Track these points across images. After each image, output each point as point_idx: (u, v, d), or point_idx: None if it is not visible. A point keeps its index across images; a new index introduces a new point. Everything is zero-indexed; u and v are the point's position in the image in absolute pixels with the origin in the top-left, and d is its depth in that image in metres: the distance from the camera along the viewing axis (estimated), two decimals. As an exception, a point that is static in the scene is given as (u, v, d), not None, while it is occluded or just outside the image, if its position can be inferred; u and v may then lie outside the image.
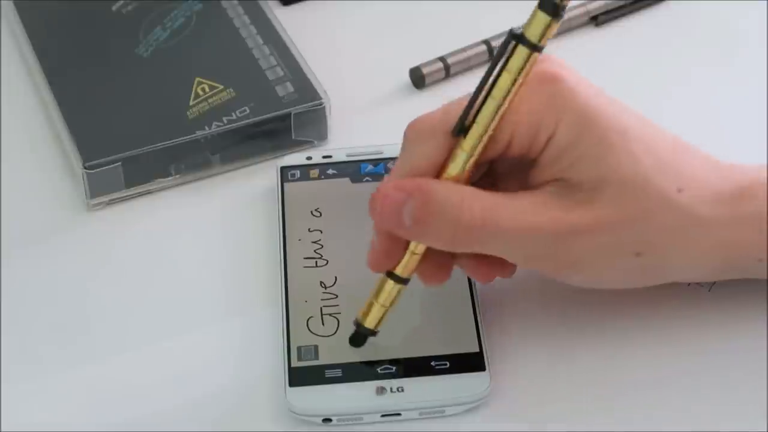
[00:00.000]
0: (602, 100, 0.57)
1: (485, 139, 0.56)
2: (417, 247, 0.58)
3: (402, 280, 0.59)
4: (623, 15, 0.79)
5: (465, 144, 0.56)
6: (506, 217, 0.56)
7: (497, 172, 0.60)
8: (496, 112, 0.56)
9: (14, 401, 0.61)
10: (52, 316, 0.65)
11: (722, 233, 0.58)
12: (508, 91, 0.55)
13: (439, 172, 0.57)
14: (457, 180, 0.57)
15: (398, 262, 0.59)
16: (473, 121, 0.56)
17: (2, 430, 0.60)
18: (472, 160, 0.57)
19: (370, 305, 0.60)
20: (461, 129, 0.56)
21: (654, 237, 0.58)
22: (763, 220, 0.58)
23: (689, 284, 0.63)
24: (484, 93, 0.56)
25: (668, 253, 0.58)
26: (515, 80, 0.55)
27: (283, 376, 0.60)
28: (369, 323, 0.60)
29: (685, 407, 0.59)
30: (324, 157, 0.70)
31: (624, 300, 0.63)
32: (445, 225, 0.56)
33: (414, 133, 0.58)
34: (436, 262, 0.59)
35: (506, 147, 0.57)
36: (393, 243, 0.59)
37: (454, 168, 0.57)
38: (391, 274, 0.59)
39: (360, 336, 0.60)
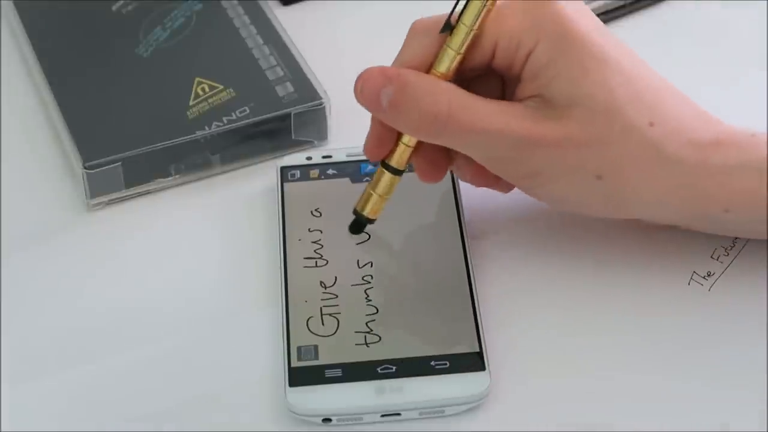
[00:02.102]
0: (593, 32, 0.60)
1: (469, 38, 0.60)
2: (409, 140, 0.62)
3: (396, 171, 0.63)
4: (623, 15, 0.79)
5: (451, 42, 0.60)
6: (474, 116, 0.59)
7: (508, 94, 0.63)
8: (479, 13, 0.59)
9: (14, 401, 0.61)
10: (52, 316, 0.65)
11: (688, 176, 0.60)
12: None
13: (428, 69, 0.61)
14: (442, 77, 0.60)
15: (392, 152, 0.63)
16: (459, 21, 0.60)
17: (2, 430, 0.60)
18: (457, 59, 0.60)
19: (368, 195, 0.64)
20: (446, 26, 0.60)
21: (616, 162, 0.60)
22: (731, 174, 0.59)
23: (689, 283, 0.64)
24: None
25: (629, 183, 0.60)
26: None
27: (283, 376, 0.60)
28: (367, 212, 0.64)
29: (685, 407, 0.59)
30: (324, 157, 0.70)
31: (624, 300, 0.63)
32: (414, 112, 0.60)
33: (413, 30, 0.62)
34: (430, 158, 0.63)
35: (490, 56, 0.61)
36: (384, 131, 0.62)
37: (440, 65, 0.60)
38: (386, 165, 0.63)
39: (358, 223, 0.65)
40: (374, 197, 0.63)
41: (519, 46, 0.60)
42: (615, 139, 0.59)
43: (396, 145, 0.62)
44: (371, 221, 0.64)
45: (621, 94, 0.59)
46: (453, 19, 0.60)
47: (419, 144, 0.62)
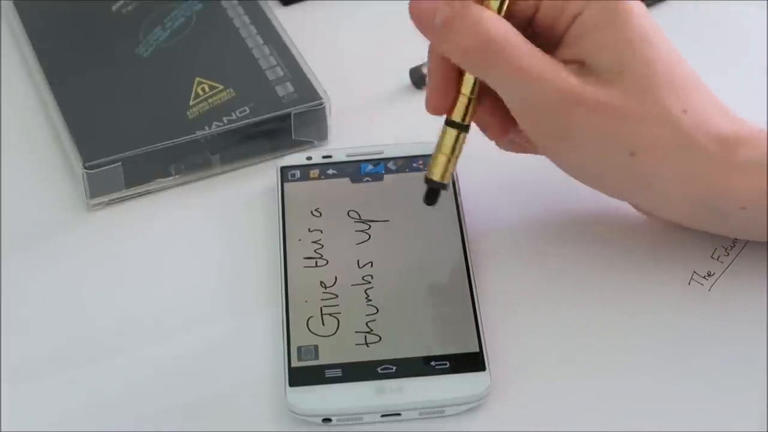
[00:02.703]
0: (639, 11, 0.60)
1: None
2: (469, 89, 0.61)
3: (461, 126, 0.62)
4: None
5: None
6: (526, 56, 0.59)
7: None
8: None
9: (14, 401, 0.61)
10: (52, 316, 0.65)
11: (711, 168, 0.60)
12: None
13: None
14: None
15: (453, 107, 0.62)
16: None
17: (2, 430, 0.60)
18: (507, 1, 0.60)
19: (436, 158, 0.62)
20: None
21: (650, 142, 0.59)
22: (751, 172, 0.59)
23: (689, 283, 0.64)
24: None
25: (658, 165, 0.60)
26: None
27: (283, 376, 0.60)
28: (436, 175, 0.62)
29: (685, 407, 0.59)
30: (324, 157, 0.70)
31: (624, 300, 0.63)
32: (466, 33, 0.59)
33: None
34: (494, 112, 0.62)
35: (534, 11, 0.60)
36: (445, 79, 0.62)
37: (493, 3, 0.60)
38: (449, 122, 0.62)
39: (432, 192, 0.63)
40: (442, 159, 0.62)
41: (565, 6, 0.60)
42: (651, 119, 0.59)
43: (456, 98, 0.62)
44: (444, 186, 0.63)
45: (662, 77, 0.59)
46: None
47: (480, 96, 0.61)
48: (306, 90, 0.72)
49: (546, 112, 0.60)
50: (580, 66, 0.60)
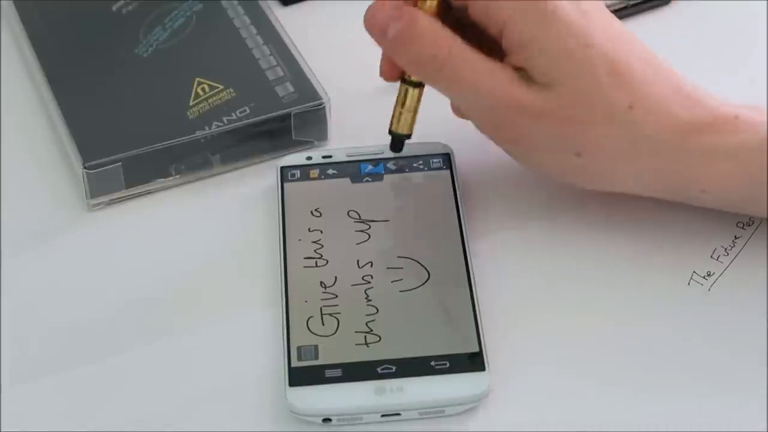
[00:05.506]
0: (574, 12, 0.60)
1: None
2: None
3: (416, 84, 0.65)
4: (625, 16, 0.79)
5: None
6: (469, 69, 0.61)
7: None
8: None
9: (14, 401, 0.61)
10: (51, 316, 0.65)
11: (666, 157, 0.61)
12: None
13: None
14: (430, 12, 0.62)
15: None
16: None
17: (2, 430, 0.60)
18: None
19: (398, 114, 0.66)
20: None
21: (595, 142, 0.61)
22: (710, 158, 0.60)
23: (689, 283, 0.64)
24: None
25: (608, 161, 0.62)
26: None
27: (283, 376, 0.60)
28: (401, 129, 0.66)
29: (684, 407, 0.59)
30: (324, 157, 0.70)
31: (624, 300, 0.63)
32: (416, 50, 0.62)
33: None
34: None
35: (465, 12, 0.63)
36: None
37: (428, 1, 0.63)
38: (405, 81, 0.65)
39: (397, 142, 0.67)
40: (404, 114, 0.66)
41: (488, 12, 0.61)
42: (595, 121, 0.60)
43: None
44: (408, 137, 0.66)
45: (602, 76, 0.60)
46: None
47: None
48: (306, 90, 0.72)
49: (493, 119, 0.62)
50: (524, 73, 0.61)
